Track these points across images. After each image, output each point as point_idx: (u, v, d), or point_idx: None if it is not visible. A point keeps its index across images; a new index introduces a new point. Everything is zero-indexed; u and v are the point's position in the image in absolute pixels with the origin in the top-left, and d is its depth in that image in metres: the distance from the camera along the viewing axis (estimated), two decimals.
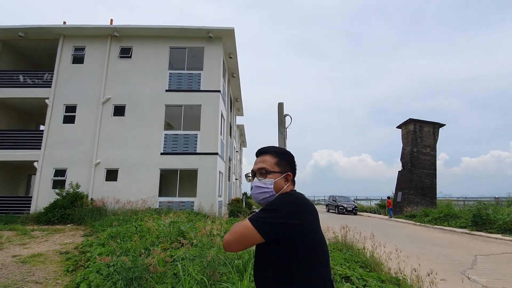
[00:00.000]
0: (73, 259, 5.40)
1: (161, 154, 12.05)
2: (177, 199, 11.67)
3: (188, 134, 12.29)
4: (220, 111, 12.72)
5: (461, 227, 13.10)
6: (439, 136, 24.66)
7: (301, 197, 1.16)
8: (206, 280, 3.19)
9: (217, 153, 12.04)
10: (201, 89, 12.69)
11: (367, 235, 6.49)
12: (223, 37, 13.18)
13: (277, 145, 7.54)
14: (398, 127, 26.25)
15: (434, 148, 24.26)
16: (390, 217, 21.02)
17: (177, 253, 4.32)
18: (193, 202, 11.57)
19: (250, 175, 1.29)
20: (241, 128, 28.98)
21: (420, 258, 6.05)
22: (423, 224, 15.48)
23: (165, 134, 12.28)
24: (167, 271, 3.67)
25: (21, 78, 12.92)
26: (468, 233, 11.71)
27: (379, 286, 4.01)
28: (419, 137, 24.24)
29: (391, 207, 21.97)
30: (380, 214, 24.78)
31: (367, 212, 27.09)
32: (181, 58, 13.21)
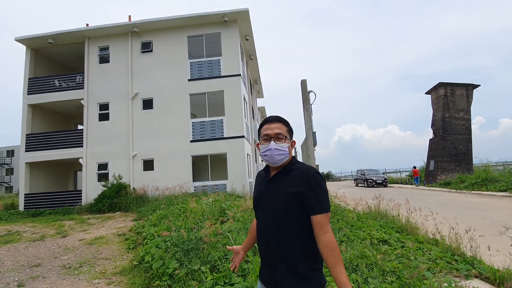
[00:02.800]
0: (131, 239, 6.09)
1: (191, 141, 12.62)
2: (210, 182, 12.30)
3: (214, 121, 12.70)
4: (242, 94, 12.93)
5: (501, 191, 12.63)
6: (473, 98, 23.21)
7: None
8: (256, 246, 3.56)
9: (243, 136, 12.38)
10: (221, 74, 12.90)
11: (400, 203, 6.60)
12: (238, 20, 13.13)
13: (304, 122, 7.65)
14: (427, 92, 24.98)
15: (468, 112, 22.94)
16: (417, 185, 21.64)
17: (223, 227, 4.75)
18: (225, 185, 12.14)
19: (264, 138, 1.43)
20: (262, 110, 29.08)
21: (457, 222, 6.08)
22: (459, 191, 15.08)
23: (192, 122, 12.78)
24: (218, 241, 4.11)
25: (56, 82, 13.88)
26: (509, 196, 11.31)
27: (417, 247, 4.18)
28: (451, 101, 22.98)
29: (417, 176, 22.67)
30: (412, 184, 24.24)
31: (397, 183, 26.61)
32: (199, 46, 13.41)
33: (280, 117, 1.47)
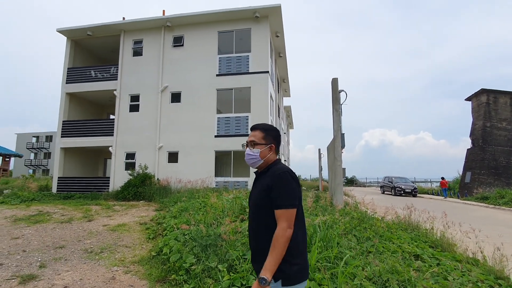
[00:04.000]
0: (151, 229, 6.14)
1: (215, 136, 12.66)
2: (232, 179, 12.27)
3: (239, 117, 12.63)
4: (269, 92, 12.73)
5: None
6: None
7: (289, 168, 1.49)
8: None
9: None
10: (250, 71, 12.79)
11: (435, 215, 6.07)
12: (269, 16, 12.93)
13: (332, 123, 7.32)
14: (468, 99, 23.31)
15: (511, 122, 21.04)
16: (445, 197, 20.76)
17: (243, 226, 4.61)
18: (247, 182, 12.04)
19: (245, 145, 1.66)
20: (288, 109, 28.67)
21: (500, 241, 5.47)
22: (497, 207, 13.85)
23: (217, 118, 12.82)
24: (237, 239, 3.96)
25: (92, 73, 14.54)
26: None
27: (454, 266, 3.77)
28: (493, 110, 21.24)
29: (445, 188, 21.81)
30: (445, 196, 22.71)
31: (428, 194, 25.08)
32: (229, 42, 13.39)
33: (259, 125, 1.67)
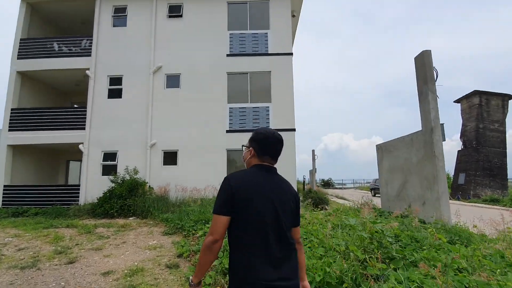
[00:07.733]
0: (205, 281, 3.47)
1: (227, 132, 10.03)
2: None
3: (257, 107, 10.17)
4: (292, 78, 10.48)
5: None
6: (508, 110, 21.72)
7: (235, 176, 1.38)
8: None
9: (294, 129, 9.92)
10: (269, 52, 10.43)
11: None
12: None
13: (421, 111, 5.35)
14: (457, 101, 23.44)
15: (503, 124, 21.41)
16: None
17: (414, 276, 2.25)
18: None
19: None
20: None
21: None
22: None
23: (229, 108, 10.20)
24: None
25: (55, 46, 10.95)
26: None
27: None
28: (485, 111, 21.38)
29: None
30: None
31: None
32: (242, 16, 10.87)
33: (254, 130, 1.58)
